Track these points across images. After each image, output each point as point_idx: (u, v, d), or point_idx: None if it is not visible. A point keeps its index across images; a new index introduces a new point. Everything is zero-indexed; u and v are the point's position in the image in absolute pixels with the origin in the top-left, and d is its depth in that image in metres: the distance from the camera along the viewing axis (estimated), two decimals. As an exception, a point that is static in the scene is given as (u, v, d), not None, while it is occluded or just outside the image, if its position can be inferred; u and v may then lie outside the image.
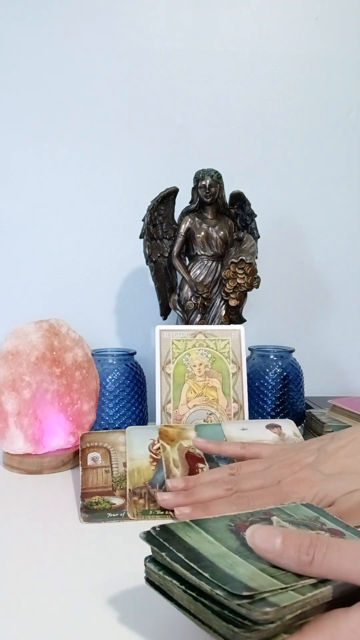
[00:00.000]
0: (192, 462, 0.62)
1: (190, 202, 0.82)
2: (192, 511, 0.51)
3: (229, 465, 0.58)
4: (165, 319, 0.86)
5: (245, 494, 0.52)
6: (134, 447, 0.63)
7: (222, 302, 0.82)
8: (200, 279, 0.81)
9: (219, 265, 0.82)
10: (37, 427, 0.66)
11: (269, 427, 0.69)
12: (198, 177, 0.80)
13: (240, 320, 0.84)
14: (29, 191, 0.94)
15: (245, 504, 0.49)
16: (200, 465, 0.61)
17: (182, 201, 0.83)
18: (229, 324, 0.81)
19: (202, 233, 0.81)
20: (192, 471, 0.60)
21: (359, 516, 0.49)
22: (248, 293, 0.80)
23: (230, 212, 0.84)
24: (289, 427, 0.70)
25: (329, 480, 0.51)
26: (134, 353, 0.82)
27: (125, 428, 0.67)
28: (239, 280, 0.79)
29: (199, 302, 0.80)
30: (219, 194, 0.81)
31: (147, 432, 0.66)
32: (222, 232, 0.81)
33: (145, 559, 0.36)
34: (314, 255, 1.01)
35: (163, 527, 0.37)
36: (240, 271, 0.78)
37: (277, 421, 0.71)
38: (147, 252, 0.81)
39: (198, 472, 0.60)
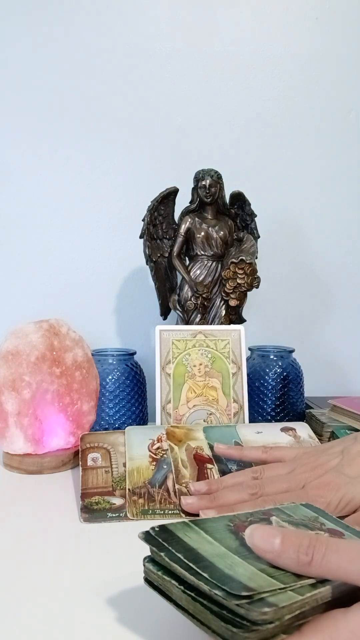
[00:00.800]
0: (200, 462, 0.62)
1: (190, 202, 0.82)
2: (218, 515, 0.50)
3: (251, 468, 0.57)
4: (165, 319, 0.86)
5: (271, 497, 0.51)
6: (134, 447, 0.63)
7: (222, 302, 0.82)
8: (200, 279, 0.81)
9: (219, 265, 0.82)
10: (37, 427, 0.66)
11: (283, 429, 0.70)
12: (198, 177, 0.80)
13: (240, 320, 0.84)
14: (29, 191, 0.94)
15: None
16: (209, 465, 0.61)
17: (182, 201, 0.83)
18: (229, 324, 0.81)
19: (202, 233, 0.81)
20: (201, 471, 0.60)
21: None
22: (248, 293, 0.81)
23: (230, 212, 0.84)
24: (303, 429, 0.70)
25: (355, 483, 0.50)
26: (134, 353, 0.83)
27: (125, 428, 0.67)
28: (239, 280, 0.79)
29: (199, 302, 0.80)
30: (219, 194, 0.81)
31: (147, 432, 0.66)
32: (222, 232, 0.81)
33: (144, 559, 0.36)
34: (314, 255, 1.01)
35: (162, 527, 0.37)
36: (240, 271, 0.78)
37: (292, 424, 0.71)
38: (147, 252, 0.81)
39: (206, 473, 0.60)
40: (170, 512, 0.54)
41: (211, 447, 0.64)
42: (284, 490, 0.52)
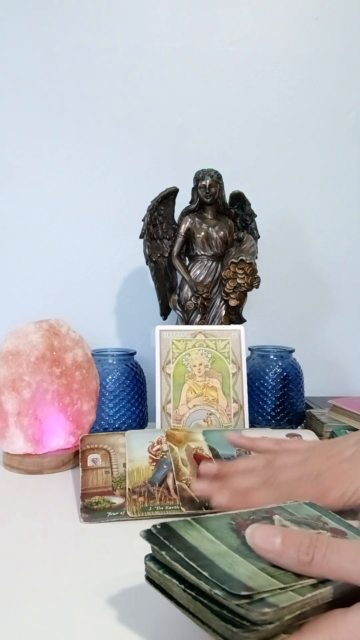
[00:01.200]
0: (200, 462, 0.61)
1: (190, 202, 0.82)
2: (230, 500, 0.49)
3: (264, 454, 0.56)
4: (165, 319, 0.86)
5: (286, 484, 0.50)
6: (134, 449, 0.63)
7: (222, 302, 0.82)
8: (200, 279, 0.81)
9: (219, 265, 0.82)
10: (37, 427, 0.66)
11: (289, 436, 0.69)
12: (198, 177, 0.80)
13: (240, 320, 0.84)
14: (29, 191, 0.94)
15: (286, 496, 0.47)
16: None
17: (182, 201, 0.83)
18: (229, 324, 0.81)
19: (202, 233, 0.81)
20: None
21: None
22: (248, 293, 0.80)
23: (230, 212, 0.84)
24: (309, 437, 0.69)
25: None
26: (134, 353, 0.82)
27: (125, 428, 0.67)
28: (239, 280, 0.79)
29: (199, 302, 0.80)
30: (219, 194, 0.81)
31: (146, 435, 0.66)
32: (222, 232, 0.81)
33: (146, 557, 0.36)
34: (314, 255, 1.01)
35: (164, 525, 0.37)
36: (240, 271, 0.78)
37: (297, 431, 0.71)
38: (147, 252, 0.81)
39: None
40: (170, 507, 0.54)
41: (211, 449, 0.64)
42: (297, 478, 0.51)
